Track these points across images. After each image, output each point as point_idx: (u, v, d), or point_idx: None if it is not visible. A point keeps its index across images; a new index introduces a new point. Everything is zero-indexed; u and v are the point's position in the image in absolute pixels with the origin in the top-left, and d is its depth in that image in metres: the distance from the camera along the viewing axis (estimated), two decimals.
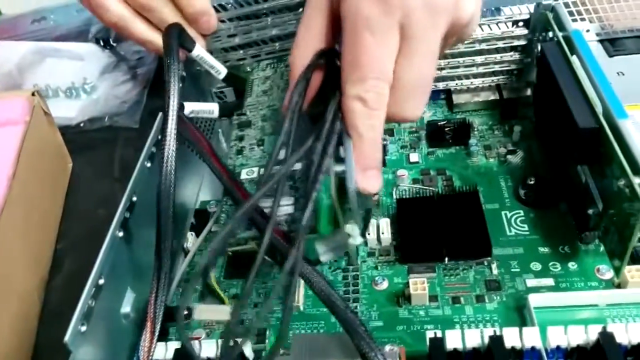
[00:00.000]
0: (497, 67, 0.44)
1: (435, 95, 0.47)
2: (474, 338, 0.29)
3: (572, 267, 0.34)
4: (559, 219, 0.36)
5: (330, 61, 0.30)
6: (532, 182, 0.38)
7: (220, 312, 0.32)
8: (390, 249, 0.37)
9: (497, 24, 0.42)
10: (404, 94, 0.29)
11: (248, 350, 0.31)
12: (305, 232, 0.28)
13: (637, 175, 0.28)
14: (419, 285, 0.33)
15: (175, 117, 0.31)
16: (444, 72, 0.45)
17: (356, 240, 0.31)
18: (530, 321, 0.31)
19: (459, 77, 0.45)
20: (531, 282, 0.34)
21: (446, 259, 0.35)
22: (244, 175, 0.40)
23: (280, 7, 0.41)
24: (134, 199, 0.33)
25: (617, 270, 0.32)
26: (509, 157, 0.41)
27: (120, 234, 0.32)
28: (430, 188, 0.40)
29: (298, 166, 0.30)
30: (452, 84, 0.46)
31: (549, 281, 0.34)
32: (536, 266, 0.35)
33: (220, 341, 0.28)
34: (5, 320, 0.34)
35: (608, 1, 0.43)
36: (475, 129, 0.44)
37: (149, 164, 0.35)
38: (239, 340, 0.27)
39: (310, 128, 0.30)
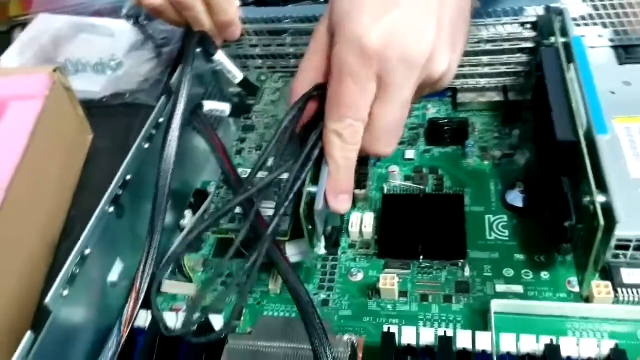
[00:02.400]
0: (503, 68, 0.44)
1: (441, 92, 0.47)
2: (428, 336, 0.30)
3: (544, 277, 0.34)
4: (541, 227, 0.37)
5: (324, 94, 0.33)
6: (520, 189, 0.38)
7: (184, 288, 0.35)
8: (371, 243, 0.38)
9: (503, 25, 0.42)
10: (376, 134, 0.32)
11: (218, 322, 0.33)
12: (272, 237, 0.31)
13: (602, 194, 0.28)
14: (388, 280, 0.34)
15: (181, 112, 0.35)
16: None
17: (320, 250, 0.35)
18: (490, 325, 0.32)
19: (465, 76, 0.45)
20: (500, 287, 0.34)
21: (421, 257, 0.36)
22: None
23: (299, 30, 0.45)
24: (128, 177, 0.36)
25: (582, 284, 0.32)
26: (503, 160, 0.41)
27: (111, 209, 0.34)
28: (419, 186, 0.41)
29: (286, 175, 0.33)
30: (457, 83, 0.46)
31: (518, 288, 0.34)
32: (509, 272, 0.35)
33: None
34: (11, 280, 0.37)
35: (624, 7, 0.42)
36: (476, 130, 0.44)
37: (147, 145, 0.38)
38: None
39: (297, 149, 0.33)
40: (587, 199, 0.29)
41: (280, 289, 0.37)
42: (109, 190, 0.34)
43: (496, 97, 0.45)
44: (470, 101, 0.46)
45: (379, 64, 0.29)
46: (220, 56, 0.43)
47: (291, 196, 0.31)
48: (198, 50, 0.44)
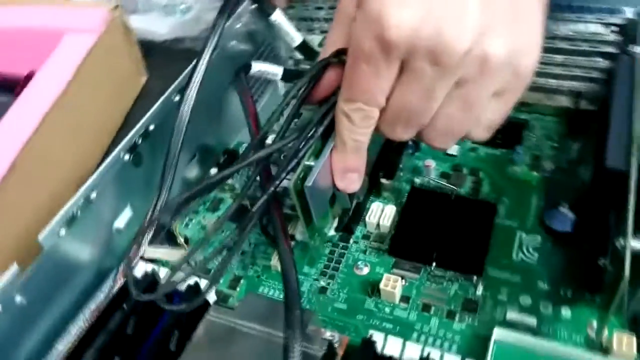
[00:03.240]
0: (578, 72, 0.39)
1: None
2: (413, 352, 0.28)
3: (565, 314, 0.31)
4: (576, 258, 0.32)
5: None
6: (562, 210, 0.34)
7: (169, 254, 0.34)
8: (386, 237, 0.36)
9: (585, 24, 0.37)
10: (391, 119, 0.29)
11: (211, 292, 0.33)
12: (261, 209, 0.30)
13: (637, 239, 0.24)
14: (391, 282, 0.32)
15: (203, 68, 0.35)
16: None
17: (329, 231, 0.33)
18: (487, 354, 0.29)
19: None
20: (512, 315, 0.31)
21: (434, 263, 0.33)
22: (269, 140, 0.41)
23: None
24: (151, 127, 0.35)
25: (599, 330, 0.28)
26: (555, 175, 0.37)
27: (126, 157, 0.34)
28: (453, 187, 0.37)
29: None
30: None
31: (532, 320, 0.31)
32: (526, 300, 0.32)
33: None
34: (33, 216, 0.38)
35: None
36: (533, 135, 0.40)
37: (177, 98, 0.37)
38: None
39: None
40: (620, 241, 0.25)
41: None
42: (126, 138, 0.34)
43: (565, 102, 0.40)
44: (535, 102, 0.41)
45: (402, 51, 0.26)
46: (278, 16, 0.41)
47: (285, 173, 0.29)
48: (253, 6, 0.43)
